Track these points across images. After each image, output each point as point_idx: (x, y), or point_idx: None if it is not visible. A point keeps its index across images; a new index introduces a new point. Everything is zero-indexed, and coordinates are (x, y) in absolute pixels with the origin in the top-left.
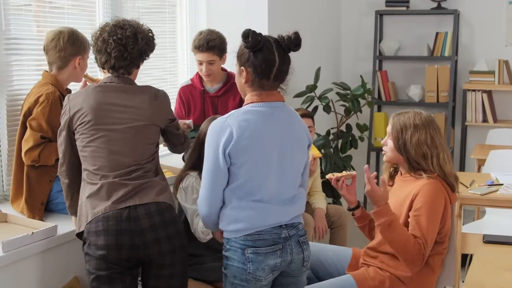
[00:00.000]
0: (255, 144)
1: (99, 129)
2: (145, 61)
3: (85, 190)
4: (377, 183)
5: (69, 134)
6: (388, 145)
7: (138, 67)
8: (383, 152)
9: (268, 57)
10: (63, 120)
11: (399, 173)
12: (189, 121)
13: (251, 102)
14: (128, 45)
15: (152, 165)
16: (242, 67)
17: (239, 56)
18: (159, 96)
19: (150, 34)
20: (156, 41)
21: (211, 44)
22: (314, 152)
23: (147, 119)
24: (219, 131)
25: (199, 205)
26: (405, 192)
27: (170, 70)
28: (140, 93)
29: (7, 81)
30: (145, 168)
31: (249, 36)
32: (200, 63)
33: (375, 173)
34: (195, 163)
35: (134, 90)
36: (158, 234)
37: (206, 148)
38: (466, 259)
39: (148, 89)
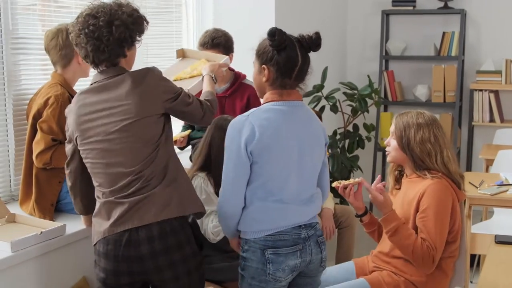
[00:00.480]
0: (276, 143)
1: (88, 143)
2: (151, 60)
3: (96, 206)
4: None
5: (74, 145)
6: (391, 145)
7: (124, 55)
8: (386, 153)
9: (292, 56)
10: (67, 133)
11: (404, 175)
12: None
13: (271, 101)
14: (102, 36)
15: (153, 169)
16: (263, 66)
17: (261, 54)
18: (141, 79)
19: (134, 15)
20: (145, 17)
21: (216, 41)
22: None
23: (135, 113)
24: (240, 128)
25: (221, 206)
26: (412, 194)
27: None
28: (118, 85)
29: (14, 81)
30: (145, 177)
31: (276, 35)
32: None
33: (384, 182)
34: (203, 164)
35: (112, 84)
36: (159, 262)
37: (228, 146)
38: (474, 260)
39: (126, 77)
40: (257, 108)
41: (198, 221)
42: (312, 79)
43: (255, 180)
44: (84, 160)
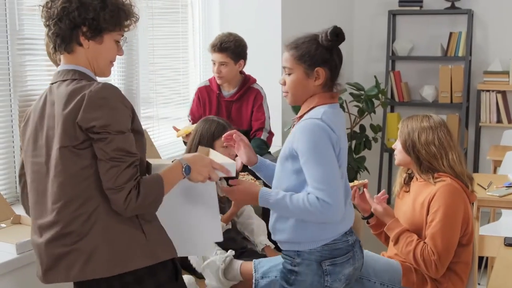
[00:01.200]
0: (343, 148)
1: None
2: (157, 61)
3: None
4: (389, 199)
5: None
6: (397, 148)
7: (78, 42)
8: (394, 155)
9: (341, 55)
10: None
11: (414, 178)
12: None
13: (323, 104)
14: (51, 8)
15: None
16: (318, 68)
17: (311, 56)
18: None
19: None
20: (131, 11)
21: (224, 45)
22: None
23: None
24: (321, 130)
25: (332, 214)
26: (422, 197)
27: (182, 70)
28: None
29: (20, 82)
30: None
31: (339, 34)
32: (214, 63)
33: (386, 195)
34: None
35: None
36: None
37: (316, 150)
38: (481, 262)
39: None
40: (321, 111)
41: None
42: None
43: None
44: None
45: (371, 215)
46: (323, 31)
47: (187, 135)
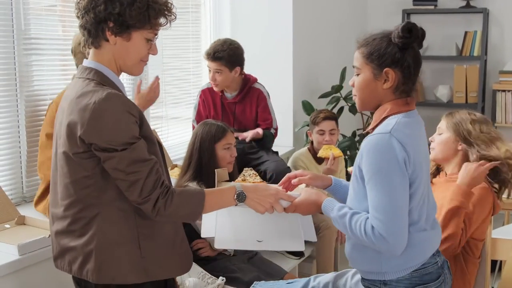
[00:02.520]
0: (420, 164)
1: None
2: (167, 61)
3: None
4: None
5: None
6: (437, 140)
7: (104, 37)
8: (430, 150)
9: (418, 56)
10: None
11: (442, 173)
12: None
13: (397, 113)
14: (81, 2)
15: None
16: (387, 69)
17: (381, 55)
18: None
19: None
20: (170, 8)
21: (217, 55)
22: (335, 151)
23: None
24: (389, 149)
25: (387, 249)
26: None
27: (193, 71)
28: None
29: (26, 82)
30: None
31: (413, 30)
32: (209, 70)
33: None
34: (194, 172)
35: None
36: None
37: (380, 176)
38: (495, 265)
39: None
40: (392, 122)
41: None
42: (330, 80)
43: None
44: None
45: None
46: (396, 27)
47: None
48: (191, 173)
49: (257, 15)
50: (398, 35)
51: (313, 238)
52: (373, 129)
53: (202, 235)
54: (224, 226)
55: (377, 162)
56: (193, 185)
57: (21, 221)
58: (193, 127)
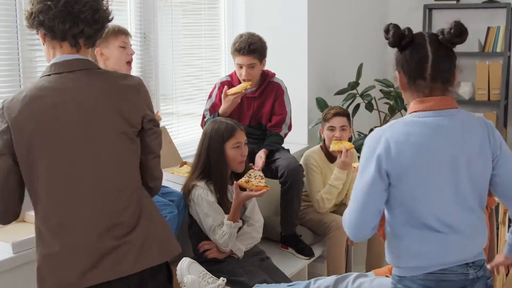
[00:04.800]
0: (419, 164)
1: None
2: (179, 56)
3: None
4: None
5: None
6: None
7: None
8: None
9: (418, 52)
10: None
11: None
12: None
13: (413, 111)
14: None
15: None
16: (396, 71)
17: (395, 60)
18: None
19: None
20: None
21: (252, 47)
22: (346, 143)
23: None
24: (374, 143)
25: (348, 231)
26: None
27: (205, 67)
28: None
29: (30, 78)
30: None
31: (389, 30)
32: (240, 67)
33: None
34: (201, 171)
35: None
36: None
37: (360, 164)
38: None
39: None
40: (399, 119)
41: (207, 233)
42: (346, 76)
43: (397, 206)
44: None
45: None
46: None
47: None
48: (199, 173)
49: (272, 10)
50: (384, 36)
51: None
52: None
53: None
54: None
55: (363, 152)
56: (201, 185)
57: (21, 219)
58: (203, 117)
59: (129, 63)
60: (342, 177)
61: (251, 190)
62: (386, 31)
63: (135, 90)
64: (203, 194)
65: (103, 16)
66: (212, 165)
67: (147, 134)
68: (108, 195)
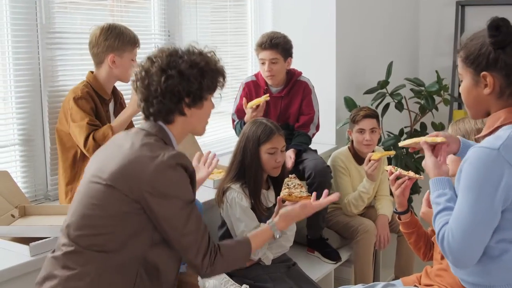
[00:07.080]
0: None
1: None
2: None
3: None
4: None
5: None
6: (450, 157)
7: (181, 112)
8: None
9: None
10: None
11: None
12: None
13: (510, 123)
14: (151, 85)
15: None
16: (484, 73)
17: (475, 58)
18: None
19: (200, 65)
20: (222, 70)
21: (274, 41)
22: (385, 152)
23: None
24: (493, 166)
25: (449, 252)
26: None
27: (233, 65)
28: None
29: (50, 77)
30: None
31: (501, 27)
32: (263, 62)
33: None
34: (236, 173)
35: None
36: None
37: (473, 184)
38: None
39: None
40: (501, 135)
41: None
42: (376, 75)
43: (508, 228)
44: None
45: (406, 211)
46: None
47: (257, 107)
48: (234, 174)
49: (299, 7)
50: (488, 34)
51: None
52: (485, 136)
53: None
54: None
55: (474, 179)
56: (236, 188)
57: (23, 213)
58: (233, 121)
59: None
60: (369, 189)
61: (295, 202)
62: (496, 27)
63: None
64: (237, 198)
65: None
66: (246, 167)
67: None
68: None
